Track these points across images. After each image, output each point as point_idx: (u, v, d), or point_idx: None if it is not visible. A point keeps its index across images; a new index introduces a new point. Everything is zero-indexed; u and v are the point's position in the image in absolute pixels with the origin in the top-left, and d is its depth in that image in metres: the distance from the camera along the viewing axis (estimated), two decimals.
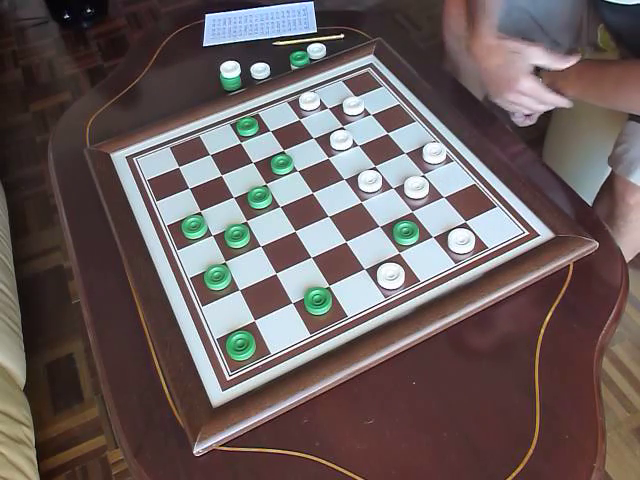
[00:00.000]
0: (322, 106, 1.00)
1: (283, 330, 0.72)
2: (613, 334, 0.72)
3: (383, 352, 0.68)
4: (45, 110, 2.04)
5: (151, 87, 1.11)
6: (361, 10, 2.20)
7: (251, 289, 0.77)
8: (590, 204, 0.83)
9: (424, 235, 0.80)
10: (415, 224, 0.80)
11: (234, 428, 0.64)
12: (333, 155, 0.92)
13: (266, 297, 0.76)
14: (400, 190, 0.86)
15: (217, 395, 0.67)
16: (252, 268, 0.79)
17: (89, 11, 2.33)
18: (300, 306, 0.74)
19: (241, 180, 0.90)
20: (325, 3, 2.26)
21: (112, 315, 0.77)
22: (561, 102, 0.94)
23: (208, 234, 0.84)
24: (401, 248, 0.79)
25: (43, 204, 1.75)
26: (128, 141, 0.98)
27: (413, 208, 0.83)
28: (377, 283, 0.75)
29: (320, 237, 0.81)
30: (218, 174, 0.92)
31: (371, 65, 1.06)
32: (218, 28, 1.20)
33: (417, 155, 0.90)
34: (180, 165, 0.94)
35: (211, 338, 0.73)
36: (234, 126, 0.98)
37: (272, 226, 0.83)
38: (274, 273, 0.78)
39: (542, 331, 0.70)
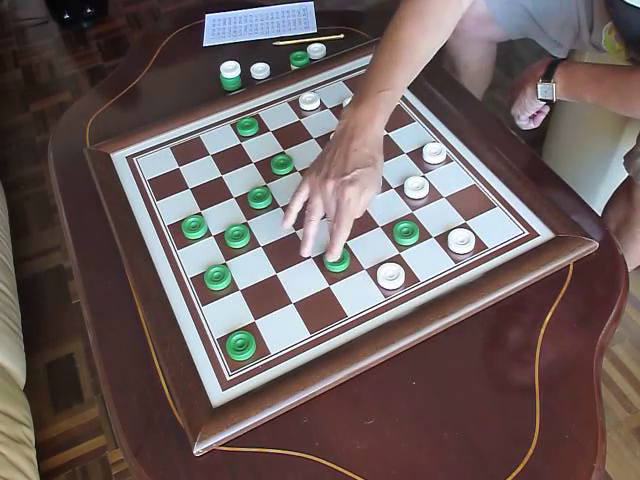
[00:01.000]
0: (322, 106, 1.00)
1: (283, 330, 0.72)
2: (613, 334, 0.72)
3: (383, 352, 0.68)
4: (45, 110, 2.04)
5: (151, 87, 1.11)
6: (361, 10, 2.20)
7: (251, 289, 0.77)
8: (591, 204, 0.83)
9: (424, 235, 0.80)
10: (415, 224, 0.80)
11: (234, 428, 0.64)
12: None
13: (266, 297, 0.76)
14: (400, 190, 0.85)
15: (217, 395, 0.67)
16: (252, 268, 0.79)
17: (89, 11, 2.33)
18: (300, 306, 0.74)
19: (241, 180, 0.90)
20: (325, 3, 2.26)
21: (112, 315, 0.77)
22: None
23: (208, 234, 0.84)
24: (401, 248, 0.79)
25: (43, 204, 1.75)
26: (128, 141, 0.98)
27: (413, 208, 0.83)
28: (377, 283, 0.75)
29: (320, 237, 0.81)
30: (218, 174, 0.92)
31: None
32: (218, 28, 1.20)
33: (417, 155, 0.90)
34: (180, 165, 0.94)
35: (211, 338, 0.73)
36: (234, 126, 0.98)
37: (272, 226, 0.83)
38: (274, 273, 0.78)
39: (542, 331, 0.70)
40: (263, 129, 0.97)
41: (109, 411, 0.70)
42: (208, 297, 0.77)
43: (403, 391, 0.67)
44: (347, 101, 0.98)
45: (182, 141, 0.98)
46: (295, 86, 1.04)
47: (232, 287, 0.77)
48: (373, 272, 0.76)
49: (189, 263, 0.80)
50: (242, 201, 0.87)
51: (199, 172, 0.92)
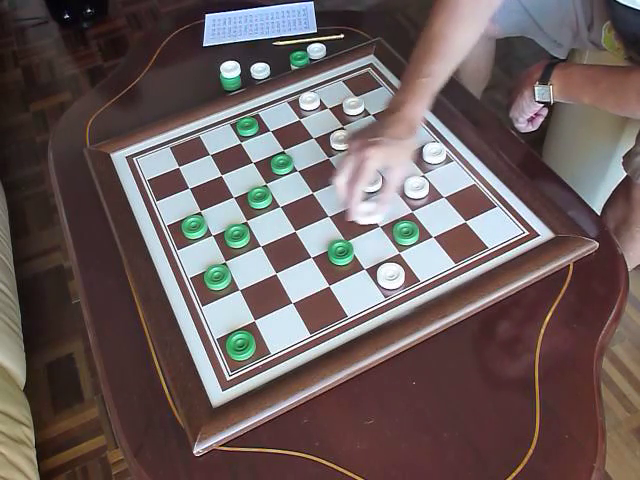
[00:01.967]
0: (322, 106, 1.00)
1: (283, 330, 0.72)
2: (613, 334, 0.72)
3: (383, 352, 0.68)
4: (45, 110, 2.04)
5: (151, 87, 1.11)
6: (361, 10, 2.20)
7: (251, 289, 0.77)
8: (591, 204, 0.83)
9: (424, 235, 0.80)
10: (415, 224, 0.80)
11: (234, 428, 0.64)
12: (333, 155, 0.92)
13: (266, 297, 0.76)
14: (400, 190, 0.85)
15: (217, 395, 0.68)
16: (252, 268, 0.79)
17: (89, 11, 2.33)
18: (300, 306, 0.74)
19: (241, 180, 0.90)
20: (325, 3, 2.26)
21: (112, 315, 0.77)
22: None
23: (208, 234, 0.84)
24: (401, 248, 0.79)
25: (43, 204, 1.75)
26: (128, 141, 0.98)
27: (413, 208, 0.83)
28: (377, 283, 0.75)
29: (320, 237, 0.81)
30: (218, 174, 0.92)
31: (371, 65, 1.06)
32: (218, 28, 1.20)
33: (417, 155, 0.90)
34: (180, 165, 0.94)
35: (211, 338, 0.73)
36: (234, 126, 0.98)
37: (272, 226, 0.83)
38: (274, 273, 0.78)
39: (542, 331, 0.70)
40: (263, 129, 0.97)
41: (109, 411, 0.70)
42: (208, 297, 0.77)
43: (403, 391, 0.67)
44: (347, 101, 0.98)
45: (182, 141, 0.98)
46: (295, 86, 1.04)
47: (232, 287, 0.77)
48: (373, 272, 0.76)
49: (189, 263, 0.80)
50: (242, 201, 0.87)
51: (199, 172, 0.92)
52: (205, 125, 0.99)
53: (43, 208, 1.74)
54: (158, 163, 0.95)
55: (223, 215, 0.86)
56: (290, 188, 0.88)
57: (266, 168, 0.91)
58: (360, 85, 1.02)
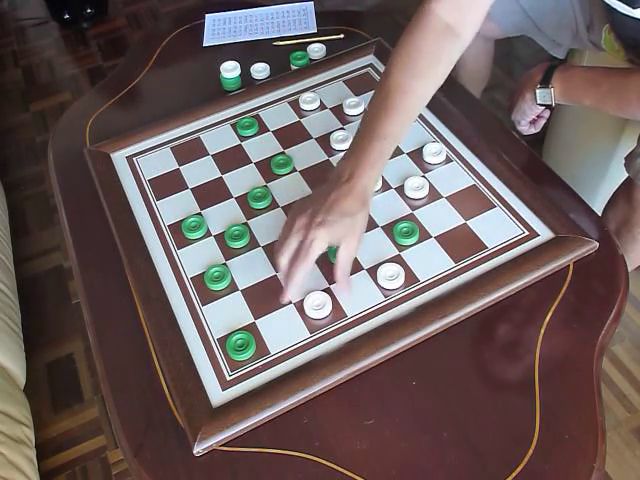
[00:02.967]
0: (322, 106, 1.00)
1: (283, 330, 0.72)
2: (613, 334, 0.72)
3: (383, 352, 0.68)
4: (45, 110, 2.04)
5: (151, 87, 1.11)
6: (361, 10, 2.20)
7: (251, 289, 0.77)
8: (591, 204, 0.83)
9: (424, 235, 0.80)
10: (415, 224, 0.80)
11: (234, 428, 0.64)
12: (333, 155, 0.92)
13: (266, 297, 0.76)
14: (400, 190, 0.85)
15: (217, 395, 0.67)
16: (252, 268, 0.79)
17: (89, 11, 2.33)
18: (300, 306, 0.74)
19: (241, 180, 0.90)
20: (325, 3, 2.26)
21: (112, 315, 0.77)
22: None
23: (208, 234, 0.84)
24: (401, 248, 0.79)
25: (43, 204, 1.75)
26: (128, 141, 0.98)
27: (413, 208, 0.83)
28: (377, 283, 0.75)
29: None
30: (218, 174, 0.92)
31: (371, 65, 1.06)
32: (218, 28, 1.20)
33: (417, 155, 0.90)
34: (180, 165, 0.94)
35: (211, 338, 0.73)
36: (234, 126, 0.98)
37: (272, 226, 0.83)
38: (274, 273, 0.78)
39: (542, 331, 0.70)
40: (263, 129, 0.97)
41: (109, 411, 0.70)
42: (208, 297, 0.77)
43: (403, 391, 0.67)
44: (347, 101, 0.98)
45: (182, 141, 0.98)
46: (295, 86, 1.04)
47: (232, 287, 0.77)
48: (373, 272, 0.76)
49: (189, 263, 0.80)
50: (242, 201, 0.87)
51: (199, 172, 0.92)
52: (205, 125, 0.99)
53: (43, 208, 1.74)
54: (158, 163, 0.95)
55: (223, 215, 0.86)
56: (290, 188, 0.88)
57: (266, 168, 0.91)
58: (360, 85, 1.02)
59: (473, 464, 0.61)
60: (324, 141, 0.94)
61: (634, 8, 0.81)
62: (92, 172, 0.93)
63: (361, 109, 0.97)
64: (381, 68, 1.05)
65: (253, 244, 0.82)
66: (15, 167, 1.87)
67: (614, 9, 0.83)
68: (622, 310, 0.72)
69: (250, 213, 0.85)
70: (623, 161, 1.01)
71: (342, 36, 1.13)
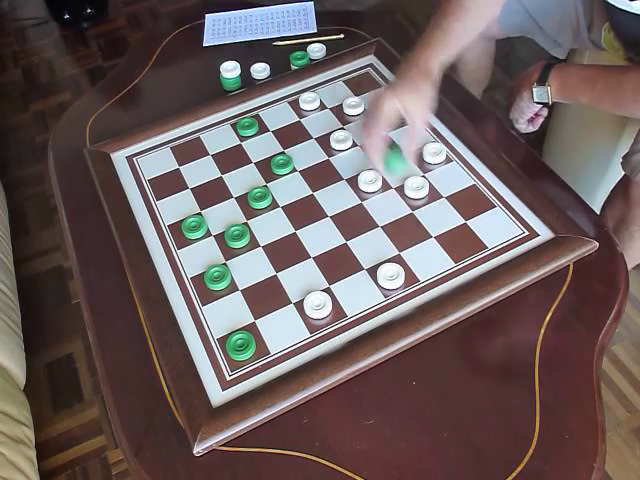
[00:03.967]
0: (322, 106, 1.00)
1: (283, 330, 0.72)
2: (613, 334, 0.72)
3: (383, 352, 0.68)
4: (45, 110, 2.04)
5: (151, 87, 1.11)
6: (361, 10, 2.20)
7: (251, 289, 0.77)
8: (591, 204, 0.83)
9: (424, 235, 0.80)
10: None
11: (234, 428, 0.64)
12: (333, 155, 0.92)
13: (266, 297, 0.76)
14: (400, 190, 0.85)
15: (217, 395, 0.68)
16: (252, 268, 0.79)
17: (89, 11, 2.33)
18: (300, 306, 0.74)
19: (241, 180, 0.90)
20: (325, 3, 2.26)
21: (112, 315, 0.77)
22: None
23: (208, 234, 0.84)
24: (401, 248, 0.79)
25: (43, 204, 1.75)
26: (128, 141, 0.98)
27: (413, 208, 0.83)
28: (377, 283, 0.75)
29: (320, 237, 0.81)
30: (218, 174, 0.92)
31: (371, 65, 1.06)
32: (218, 28, 1.20)
33: (417, 155, 0.90)
34: (180, 165, 0.94)
35: (211, 338, 0.73)
36: (234, 126, 0.98)
37: (272, 226, 0.83)
38: (274, 273, 0.78)
39: (542, 331, 0.70)
40: (263, 129, 0.97)
41: (109, 411, 0.70)
42: (208, 297, 0.77)
43: (403, 391, 0.67)
44: (347, 101, 0.98)
45: (182, 141, 0.98)
46: (295, 86, 1.04)
47: (232, 287, 0.77)
48: (373, 272, 0.76)
49: (189, 263, 0.80)
50: (242, 201, 0.87)
51: (199, 172, 0.92)
52: (205, 125, 0.99)
53: (43, 208, 1.74)
54: (158, 163, 0.95)
55: (223, 215, 0.86)
56: (290, 188, 0.88)
57: (266, 168, 0.91)
58: (360, 85, 1.02)
59: (473, 464, 0.61)
60: (324, 141, 0.94)
61: (631, 0, 0.81)
62: (92, 172, 0.93)
63: (361, 109, 0.97)
64: (381, 68, 1.05)
65: (253, 244, 0.82)
66: (15, 167, 1.87)
67: (612, 5, 0.83)
68: (622, 310, 0.72)
69: (250, 213, 0.85)
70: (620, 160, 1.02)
71: (342, 36, 1.13)
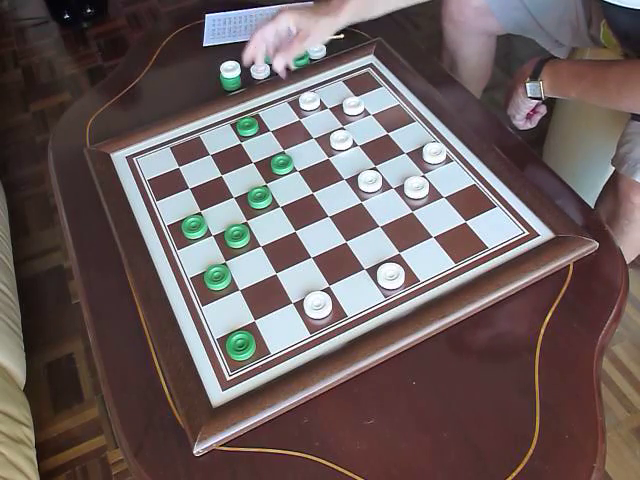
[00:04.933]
0: (322, 106, 1.00)
1: (283, 330, 0.72)
2: (613, 334, 0.72)
3: (383, 352, 0.68)
4: (45, 110, 2.04)
5: (151, 87, 1.11)
6: None
7: (251, 289, 0.77)
8: (591, 204, 0.83)
9: (424, 235, 0.80)
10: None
11: (234, 428, 0.64)
12: (333, 155, 0.92)
13: (266, 297, 0.76)
14: (400, 190, 0.86)
15: (217, 395, 0.68)
16: (252, 268, 0.79)
17: (89, 11, 2.33)
18: (300, 306, 0.74)
19: (241, 180, 0.90)
20: None
21: (112, 315, 0.77)
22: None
23: (208, 234, 0.84)
24: (401, 248, 0.79)
25: (43, 204, 1.75)
26: (128, 141, 0.98)
27: (413, 208, 0.83)
28: (377, 283, 0.75)
29: (320, 237, 0.81)
30: (218, 174, 0.92)
31: (371, 65, 1.06)
32: (218, 28, 1.20)
33: (417, 155, 0.90)
34: (180, 165, 0.94)
35: (211, 338, 0.73)
36: (234, 126, 0.98)
37: (272, 226, 0.83)
38: (274, 273, 0.78)
39: (542, 331, 0.70)
40: (263, 129, 0.97)
41: (109, 411, 0.70)
42: (208, 297, 0.77)
43: (403, 391, 0.67)
44: (347, 101, 0.98)
45: (182, 141, 0.98)
46: (295, 86, 1.04)
47: (232, 287, 0.77)
48: (373, 272, 0.76)
49: (189, 263, 0.80)
50: (242, 201, 0.87)
51: (199, 172, 0.92)
52: (205, 125, 0.99)
53: (43, 208, 1.74)
54: (158, 163, 0.95)
55: (223, 215, 0.86)
56: (290, 188, 0.88)
57: (266, 168, 0.91)
58: (360, 85, 1.02)
59: (473, 464, 0.61)
60: (324, 141, 0.94)
61: None
62: (92, 172, 0.93)
63: (361, 109, 0.97)
64: (381, 68, 1.05)
65: (253, 244, 0.82)
66: (15, 167, 1.87)
67: (604, 0, 0.84)
68: (622, 310, 0.72)
69: (250, 213, 0.85)
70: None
71: (342, 36, 1.13)
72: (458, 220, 0.81)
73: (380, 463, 0.62)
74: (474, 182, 0.85)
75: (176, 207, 0.88)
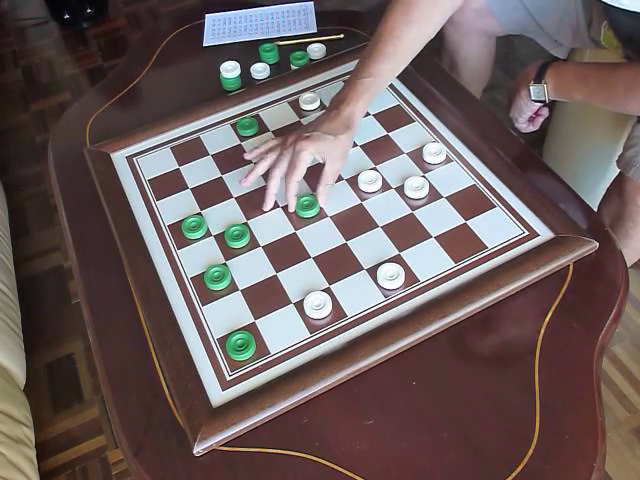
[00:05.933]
0: (322, 106, 1.00)
1: (283, 330, 0.72)
2: (613, 334, 0.72)
3: (383, 352, 0.68)
4: (45, 110, 2.04)
5: (151, 87, 1.11)
6: (361, 10, 2.20)
7: (251, 289, 0.77)
8: (591, 204, 0.83)
9: (424, 235, 0.80)
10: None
11: (234, 428, 0.64)
12: None
13: (266, 297, 0.76)
14: (400, 190, 0.85)
15: (217, 395, 0.67)
16: (252, 268, 0.79)
17: (89, 11, 2.33)
18: (300, 306, 0.74)
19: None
20: (325, 3, 2.26)
21: (112, 315, 0.77)
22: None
23: (208, 234, 0.84)
24: (401, 248, 0.79)
25: (43, 204, 1.75)
26: (128, 141, 0.98)
27: (413, 208, 0.83)
28: (377, 283, 0.75)
29: (320, 237, 0.81)
30: (218, 174, 0.92)
31: None
32: (218, 28, 1.20)
33: (417, 155, 0.90)
34: (180, 165, 0.94)
35: (211, 338, 0.73)
36: (234, 126, 0.98)
37: (272, 226, 0.83)
38: (274, 273, 0.78)
39: (542, 331, 0.70)
40: (263, 129, 0.97)
41: (109, 411, 0.70)
42: (208, 297, 0.77)
43: (403, 391, 0.67)
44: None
45: (182, 141, 0.98)
46: (295, 86, 1.04)
47: (232, 287, 0.77)
48: (373, 272, 0.76)
49: (189, 263, 0.80)
50: (242, 201, 0.87)
51: (199, 172, 0.92)
52: (205, 125, 0.99)
53: (43, 208, 1.74)
54: (158, 163, 0.95)
55: (223, 215, 0.86)
56: None
57: None
58: None
59: (473, 464, 0.61)
60: None
61: None
62: (92, 172, 0.93)
63: None
64: None
65: (253, 244, 0.82)
66: (15, 167, 1.87)
67: (604, 3, 0.84)
68: (622, 310, 0.72)
69: (250, 213, 0.85)
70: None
71: (342, 36, 1.13)
72: (458, 220, 0.81)
73: (380, 463, 0.62)
74: (474, 182, 0.85)
75: (176, 207, 0.88)
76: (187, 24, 1.24)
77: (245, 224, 0.84)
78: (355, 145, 0.92)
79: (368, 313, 0.73)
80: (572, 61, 1.25)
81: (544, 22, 1.18)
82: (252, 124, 0.97)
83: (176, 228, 0.85)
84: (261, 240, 0.82)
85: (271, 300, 0.75)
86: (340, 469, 0.62)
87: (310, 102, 0.99)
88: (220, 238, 0.83)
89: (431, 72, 1.02)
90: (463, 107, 0.96)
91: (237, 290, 0.77)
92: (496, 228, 0.80)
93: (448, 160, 0.89)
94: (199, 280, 0.78)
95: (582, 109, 1.34)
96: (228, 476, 0.63)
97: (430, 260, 0.77)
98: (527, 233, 0.79)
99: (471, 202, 0.83)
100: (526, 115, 1.02)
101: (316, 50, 1.10)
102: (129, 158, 0.96)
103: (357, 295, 0.75)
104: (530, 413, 0.64)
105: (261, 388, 0.67)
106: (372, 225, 0.82)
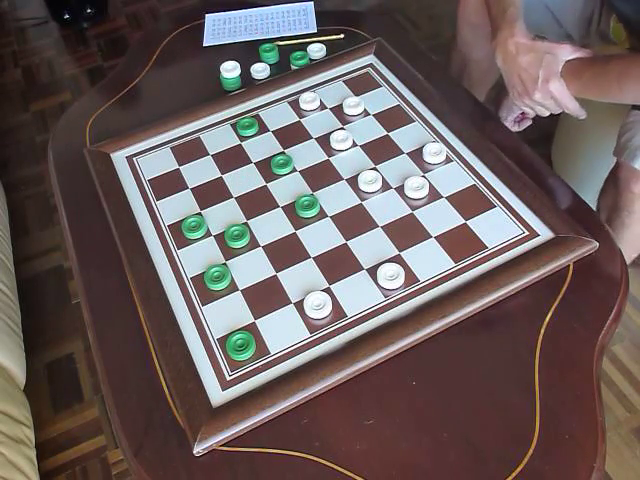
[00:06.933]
0: (322, 106, 1.00)
1: (283, 330, 0.72)
2: (613, 334, 0.72)
3: (383, 352, 0.68)
4: (45, 110, 2.04)
5: (151, 87, 1.11)
6: (361, 10, 2.20)
7: (251, 289, 0.77)
8: (593, 204, 0.83)
9: (424, 235, 0.80)
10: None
11: (234, 428, 0.64)
12: (333, 155, 0.92)
13: (266, 297, 0.76)
14: (400, 190, 0.86)
15: (217, 395, 0.68)
16: (252, 268, 0.79)
17: (89, 11, 2.33)
18: (300, 305, 0.74)
19: (241, 180, 0.90)
20: (325, 3, 2.26)
21: (112, 315, 0.77)
22: (579, 111, 0.96)
23: (208, 234, 0.84)
24: (401, 248, 0.79)
25: (43, 204, 1.75)
26: (128, 141, 0.98)
27: (413, 208, 0.83)
28: (377, 283, 0.75)
29: (320, 237, 0.81)
30: (218, 174, 0.92)
31: (371, 65, 1.06)
32: (218, 28, 1.20)
33: (417, 155, 0.90)
34: (180, 165, 0.94)
35: (211, 338, 0.73)
36: (234, 126, 0.98)
37: (272, 226, 0.83)
38: (274, 273, 0.78)
39: (542, 331, 0.70)
40: (263, 129, 0.97)
41: (109, 411, 0.70)
42: (208, 297, 0.77)
43: (403, 391, 0.67)
44: (347, 101, 0.98)
45: (182, 141, 0.98)
46: (295, 86, 1.04)
47: (232, 287, 0.77)
48: (373, 272, 0.76)
49: (189, 263, 0.80)
50: (242, 201, 0.87)
51: (199, 172, 0.92)
52: (205, 125, 0.99)
53: (43, 208, 1.74)
54: (158, 163, 0.95)
55: (223, 215, 0.86)
56: (290, 188, 0.88)
57: (266, 168, 0.91)
58: (360, 85, 1.02)
59: (473, 464, 0.61)
60: (324, 141, 0.94)
61: None
62: (92, 172, 0.93)
63: (361, 109, 0.97)
64: (381, 68, 1.05)
65: (253, 244, 0.82)
66: (15, 167, 1.87)
67: None
68: (622, 310, 0.73)
69: (250, 213, 0.85)
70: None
71: (342, 36, 1.13)
72: (458, 220, 0.81)
73: (380, 463, 0.62)
74: (474, 182, 0.85)
75: (176, 207, 0.88)
76: (187, 24, 1.24)
77: (245, 224, 0.84)
78: (355, 145, 0.92)
79: (368, 313, 0.73)
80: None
81: (564, 19, 1.17)
82: (252, 124, 0.97)
83: (176, 228, 0.85)
84: (261, 240, 0.82)
85: (271, 300, 0.75)
86: (340, 469, 0.62)
87: (310, 102, 0.99)
88: (220, 238, 0.83)
89: (431, 72, 1.02)
90: (463, 107, 0.96)
91: (237, 290, 0.77)
92: (496, 228, 0.80)
93: (448, 160, 0.89)
94: (199, 280, 0.78)
95: (589, 107, 1.33)
96: (228, 476, 0.63)
97: (430, 260, 0.77)
98: (527, 233, 0.79)
99: (471, 202, 0.83)
100: (515, 114, 1.03)
101: (316, 50, 1.10)
102: (129, 158, 0.96)
103: (357, 295, 0.75)
104: (530, 413, 0.64)
105: (261, 388, 0.67)
106: (372, 225, 0.82)
